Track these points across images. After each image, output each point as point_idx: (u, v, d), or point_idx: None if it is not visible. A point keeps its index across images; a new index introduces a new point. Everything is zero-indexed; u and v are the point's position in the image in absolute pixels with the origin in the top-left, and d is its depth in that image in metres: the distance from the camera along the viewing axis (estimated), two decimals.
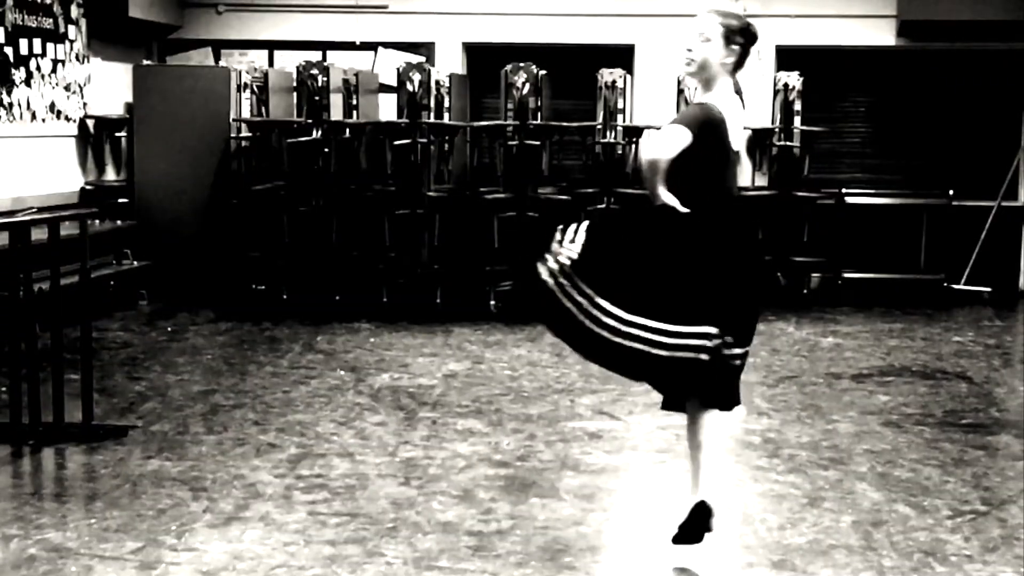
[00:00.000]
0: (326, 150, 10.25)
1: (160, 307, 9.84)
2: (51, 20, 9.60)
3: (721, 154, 4.23)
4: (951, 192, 10.96)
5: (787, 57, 11.26)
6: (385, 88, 11.17)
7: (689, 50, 4.27)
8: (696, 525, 4.33)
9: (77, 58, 10.05)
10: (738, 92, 4.32)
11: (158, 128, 10.26)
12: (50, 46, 9.59)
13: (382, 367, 7.66)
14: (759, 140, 11.13)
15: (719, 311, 4.15)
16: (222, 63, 11.46)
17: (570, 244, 4.17)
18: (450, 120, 10.64)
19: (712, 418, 4.31)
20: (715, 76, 4.27)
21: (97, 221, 9.26)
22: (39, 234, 5.92)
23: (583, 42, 11.11)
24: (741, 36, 4.28)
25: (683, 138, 4.07)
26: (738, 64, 4.31)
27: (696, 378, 4.18)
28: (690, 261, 4.16)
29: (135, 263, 9.79)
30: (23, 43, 9.20)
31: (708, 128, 4.15)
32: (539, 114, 10.17)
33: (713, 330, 4.13)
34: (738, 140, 4.29)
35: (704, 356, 4.13)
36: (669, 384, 4.37)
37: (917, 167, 11.57)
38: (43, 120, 9.57)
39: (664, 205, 4.10)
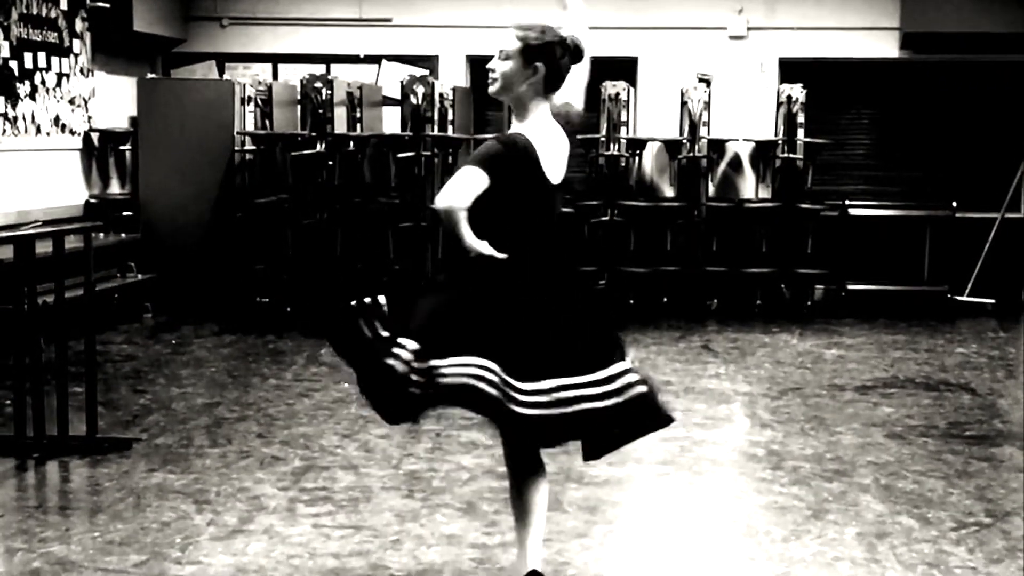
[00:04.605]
0: (330, 163, 10.28)
1: (164, 320, 9.86)
2: (56, 34, 9.64)
3: (533, 189, 3.71)
4: (954, 204, 10.96)
5: (790, 69, 11.29)
6: (389, 101, 11.19)
7: (490, 69, 3.81)
8: None
9: (82, 72, 10.08)
10: (566, 115, 3.89)
11: (162, 141, 10.27)
12: (55, 60, 9.63)
13: None
14: (763, 152, 11.15)
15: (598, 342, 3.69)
16: (226, 76, 11.48)
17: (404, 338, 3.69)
18: (454, 133, 10.65)
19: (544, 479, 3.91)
20: (525, 99, 3.77)
21: (101, 234, 9.30)
22: (44, 247, 5.94)
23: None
24: (541, 53, 3.75)
25: (477, 182, 3.56)
26: (550, 85, 3.80)
27: (645, 410, 3.72)
28: (542, 306, 3.65)
29: (139, 276, 9.80)
30: (28, 57, 9.24)
31: (509, 164, 3.62)
32: None
33: (631, 364, 3.71)
34: (555, 171, 3.75)
35: (643, 387, 3.69)
36: (623, 430, 3.76)
37: (920, 179, 11.58)
38: (48, 134, 9.60)
39: (479, 255, 3.58)
